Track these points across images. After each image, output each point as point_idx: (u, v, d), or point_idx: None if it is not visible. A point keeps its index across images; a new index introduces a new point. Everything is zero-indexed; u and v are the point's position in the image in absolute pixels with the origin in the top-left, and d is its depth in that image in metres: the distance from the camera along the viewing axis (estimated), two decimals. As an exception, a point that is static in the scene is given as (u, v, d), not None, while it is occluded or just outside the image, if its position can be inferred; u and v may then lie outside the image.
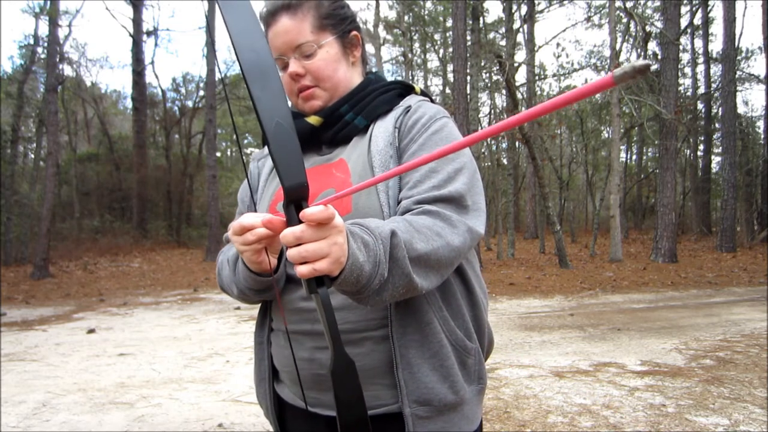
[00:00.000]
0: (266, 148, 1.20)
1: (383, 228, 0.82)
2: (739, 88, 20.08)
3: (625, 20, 15.73)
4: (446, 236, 0.88)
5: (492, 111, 22.95)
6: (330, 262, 0.71)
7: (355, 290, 0.79)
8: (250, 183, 1.18)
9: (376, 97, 1.07)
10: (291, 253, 0.70)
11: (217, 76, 16.60)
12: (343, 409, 0.74)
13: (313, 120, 1.07)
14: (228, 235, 1.19)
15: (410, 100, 1.09)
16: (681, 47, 17.10)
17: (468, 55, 11.33)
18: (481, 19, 14.06)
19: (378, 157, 1.00)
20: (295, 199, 0.70)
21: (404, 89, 1.12)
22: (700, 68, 22.46)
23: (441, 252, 0.87)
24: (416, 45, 25.37)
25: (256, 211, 1.13)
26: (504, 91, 17.12)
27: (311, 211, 0.68)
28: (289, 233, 0.69)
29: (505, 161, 19.44)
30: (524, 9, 18.75)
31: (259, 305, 1.17)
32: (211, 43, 16.66)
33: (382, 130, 1.03)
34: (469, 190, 0.96)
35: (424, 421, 0.95)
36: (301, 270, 0.70)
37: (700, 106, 21.86)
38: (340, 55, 1.07)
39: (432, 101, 1.11)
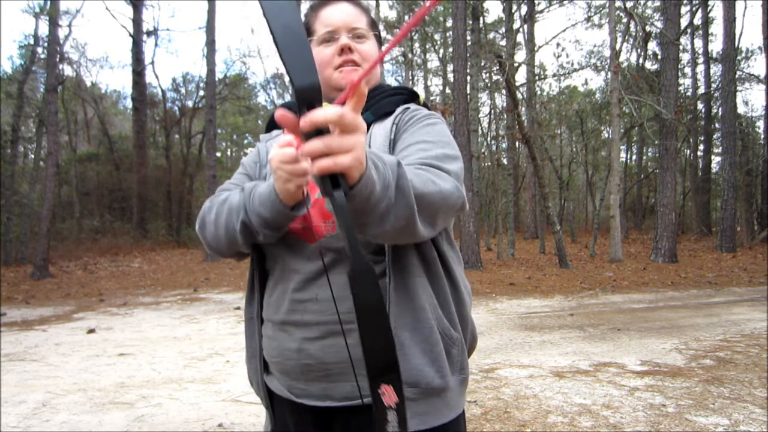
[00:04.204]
0: (273, 132, 1.24)
1: (390, 157, 0.84)
2: (739, 88, 20.10)
3: (625, 20, 15.70)
4: (439, 184, 0.91)
5: (492, 111, 22.94)
6: (353, 158, 0.67)
7: (365, 209, 0.77)
8: (259, 159, 1.23)
9: (385, 98, 1.17)
10: (314, 144, 0.65)
11: (218, 76, 16.58)
12: (369, 353, 0.69)
13: None
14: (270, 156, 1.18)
15: (411, 105, 1.18)
16: (681, 47, 17.09)
17: (468, 55, 11.34)
18: (481, 19, 14.07)
19: None
20: (308, 101, 0.64)
21: (410, 96, 1.21)
22: (700, 68, 22.48)
23: (435, 197, 0.89)
24: (416, 45, 25.37)
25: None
26: (504, 91, 17.10)
27: (333, 112, 0.64)
28: (319, 143, 0.65)
29: (505, 161, 19.44)
30: (524, 9, 18.76)
31: (248, 280, 1.18)
32: (211, 43, 16.66)
33: (381, 129, 1.12)
34: (458, 177, 1.01)
35: (409, 402, 0.98)
36: (322, 163, 0.65)
37: (700, 106, 21.85)
38: (377, 53, 1.18)
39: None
